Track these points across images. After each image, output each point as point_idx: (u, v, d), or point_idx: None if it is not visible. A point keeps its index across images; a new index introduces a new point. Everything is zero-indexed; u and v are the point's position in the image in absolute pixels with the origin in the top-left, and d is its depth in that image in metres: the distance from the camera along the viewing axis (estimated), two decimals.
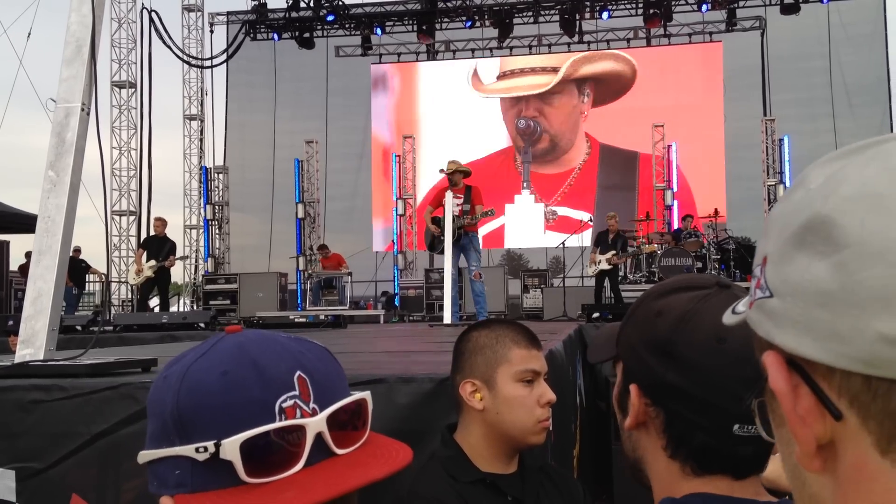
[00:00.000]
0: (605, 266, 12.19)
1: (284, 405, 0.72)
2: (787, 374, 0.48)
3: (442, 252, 8.22)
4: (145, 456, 0.75)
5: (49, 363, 2.20)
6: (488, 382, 1.62)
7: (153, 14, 11.06)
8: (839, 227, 0.44)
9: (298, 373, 0.75)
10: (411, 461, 0.77)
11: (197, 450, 0.70)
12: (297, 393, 0.73)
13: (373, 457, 0.76)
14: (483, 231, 17.59)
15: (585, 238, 14.29)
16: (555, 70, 20.42)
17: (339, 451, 0.74)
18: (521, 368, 1.62)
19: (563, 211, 19.71)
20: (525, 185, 20.47)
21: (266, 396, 0.72)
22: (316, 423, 0.73)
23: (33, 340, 2.23)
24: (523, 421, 1.60)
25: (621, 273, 13.16)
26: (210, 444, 0.70)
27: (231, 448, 0.69)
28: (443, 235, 7.92)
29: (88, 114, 2.37)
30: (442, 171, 8.05)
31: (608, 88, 20.36)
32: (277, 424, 0.71)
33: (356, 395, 0.78)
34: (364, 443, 0.77)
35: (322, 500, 0.69)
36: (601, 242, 12.43)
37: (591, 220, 14.19)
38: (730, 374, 0.89)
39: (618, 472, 5.02)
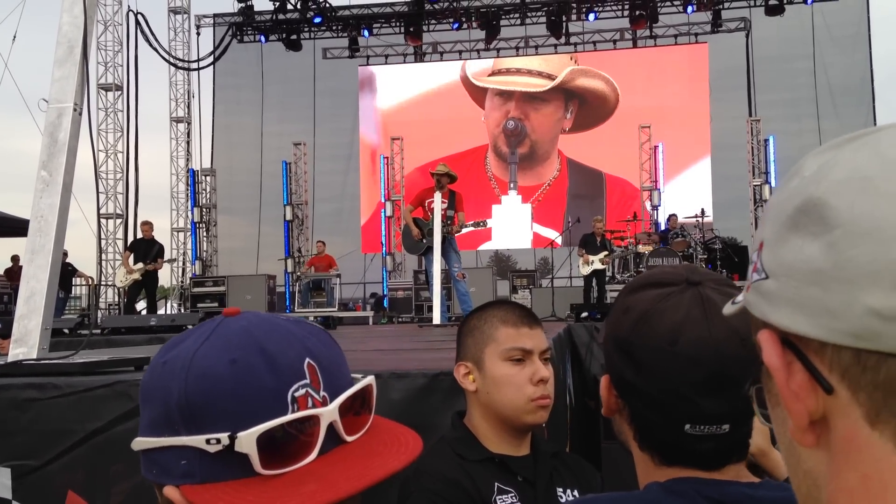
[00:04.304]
0: (598, 266, 12.55)
1: (297, 394, 0.70)
2: (780, 351, 0.49)
3: (422, 253, 8.40)
4: (143, 443, 0.72)
5: (43, 362, 2.20)
6: (478, 363, 1.63)
7: (139, 16, 11.00)
8: (831, 209, 0.46)
9: (308, 360, 0.72)
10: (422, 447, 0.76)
11: (208, 441, 0.67)
12: (307, 381, 0.71)
13: (383, 444, 0.75)
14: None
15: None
16: (550, 77, 20.38)
17: (349, 438, 0.73)
18: (507, 347, 1.60)
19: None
20: (512, 185, 20.48)
21: (278, 386, 0.70)
22: (329, 413, 0.71)
23: (26, 339, 2.22)
24: (513, 400, 1.58)
25: (609, 273, 13.37)
26: (224, 437, 0.67)
27: (248, 441, 0.67)
28: (422, 239, 8.12)
29: (80, 114, 2.37)
30: (432, 172, 8.20)
31: (590, 112, 20.29)
32: (293, 416, 0.69)
33: (363, 382, 0.77)
34: (370, 427, 0.76)
35: (346, 495, 0.67)
36: (588, 244, 12.64)
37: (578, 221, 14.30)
38: (679, 375, 0.91)
39: (606, 471, 5.04)
